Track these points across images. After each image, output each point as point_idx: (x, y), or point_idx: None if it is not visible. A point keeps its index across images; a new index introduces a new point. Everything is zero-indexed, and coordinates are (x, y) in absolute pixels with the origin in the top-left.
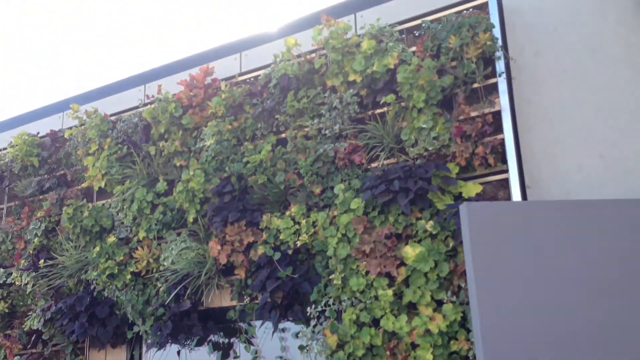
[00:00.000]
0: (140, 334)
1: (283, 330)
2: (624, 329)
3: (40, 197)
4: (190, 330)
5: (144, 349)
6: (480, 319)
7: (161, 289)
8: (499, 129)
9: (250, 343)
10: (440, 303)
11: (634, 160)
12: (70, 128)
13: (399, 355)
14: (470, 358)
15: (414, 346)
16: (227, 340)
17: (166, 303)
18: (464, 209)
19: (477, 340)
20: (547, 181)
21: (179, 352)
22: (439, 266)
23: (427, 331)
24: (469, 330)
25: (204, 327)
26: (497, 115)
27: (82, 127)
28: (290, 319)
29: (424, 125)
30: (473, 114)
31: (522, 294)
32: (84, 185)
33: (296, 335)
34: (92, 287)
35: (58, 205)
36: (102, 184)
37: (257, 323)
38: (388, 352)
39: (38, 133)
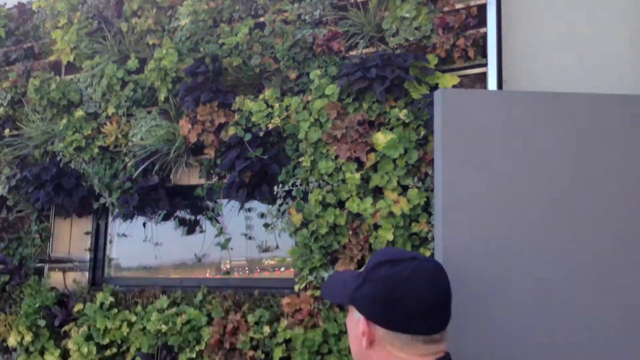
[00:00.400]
0: (107, 205)
1: (249, 209)
2: (590, 221)
3: (7, 68)
4: (157, 204)
5: (110, 219)
6: (442, 202)
7: (129, 164)
8: (482, 22)
9: (216, 220)
10: (405, 188)
11: (613, 62)
12: (39, 0)
13: (361, 235)
14: (429, 239)
15: (376, 227)
16: (193, 217)
17: (134, 177)
18: (438, 95)
19: (437, 223)
20: (525, 78)
21: (144, 224)
22: (408, 153)
23: (391, 213)
24: (430, 214)
25: (170, 202)
26: (482, 8)
27: None
28: (257, 198)
29: (407, 15)
30: (458, 5)
31: (489, 182)
32: (52, 58)
33: (262, 215)
34: (58, 158)
35: (25, 76)
36: (71, 58)
37: (224, 202)
38: (350, 232)
39: (5, 4)
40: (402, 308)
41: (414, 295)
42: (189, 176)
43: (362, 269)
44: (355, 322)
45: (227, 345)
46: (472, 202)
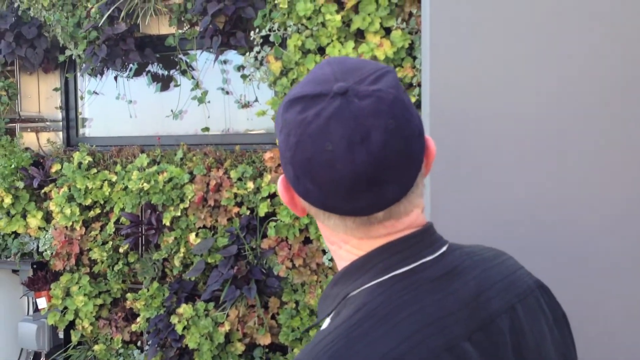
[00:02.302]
0: (74, 58)
1: (225, 62)
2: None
3: None
4: (126, 55)
5: (78, 74)
6: (431, 43)
7: (92, 10)
8: None
9: (191, 74)
10: (388, 31)
11: None
12: None
13: None
14: (414, 85)
15: None
16: (166, 72)
17: (99, 25)
18: None
19: (424, 67)
20: None
21: (116, 78)
22: None
23: (374, 58)
24: (415, 58)
25: (141, 53)
26: None
27: None
28: (233, 46)
29: None
30: None
31: (482, 19)
32: None
33: (238, 68)
34: (16, 4)
35: None
36: None
37: (198, 53)
38: None
39: None
40: (311, 177)
41: (324, 161)
42: (159, 24)
43: None
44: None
45: (211, 203)
46: (462, 44)
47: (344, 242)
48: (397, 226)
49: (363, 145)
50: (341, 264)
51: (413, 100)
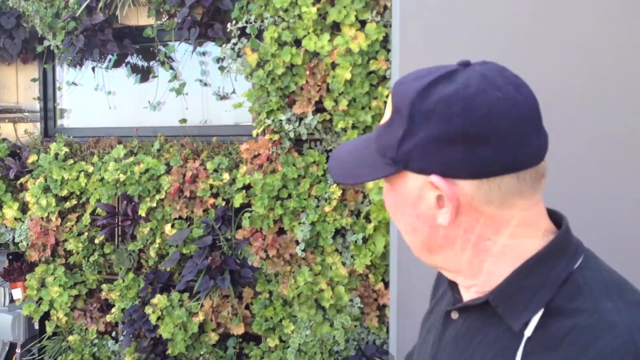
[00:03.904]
0: (52, 48)
1: (204, 54)
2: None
3: None
4: (104, 46)
5: (57, 64)
6: (401, 36)
7: (71, 1)
8: None
9: (169, 64)
10: (364, 23)
11: None
12: None
13: (318, 75)
14: (388, 77)
15: (333, 66)
16: (146, 63)
17: (77, 15)
18: None
19: (394, 60)
20: None
21: (93, 69)
22: None
23: (348, 50)
24: (389, 51)
25: (119, 44)
26: None
27: None
28: (211, 37)
29: None
30: None
31: (452, 15)
32: None
33: (217, 60)
34: None
35: None
36: None
37: (176, 45)
38: (308, 72)
39: None
40: (492, 134)
41: (502, 108)
42: (138, 15)
43: (386, 115)
44: (414, 195)
45: (187, 194)
46: (433, 40)
47: (506, 224)
48: (540, 192)
49: (521, 87)
50: (496, 259)
51: (386, 92)
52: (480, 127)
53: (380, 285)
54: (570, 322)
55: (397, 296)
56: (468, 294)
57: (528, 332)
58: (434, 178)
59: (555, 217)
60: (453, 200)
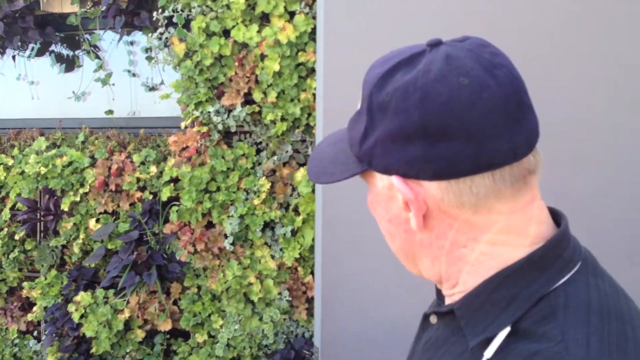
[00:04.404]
0: None
1: (132, 43)
2: None
3: None
4: (25, 34)
5: None
6: (325, 28)
7: None
8: None
9: (95, 54)
10: (293, 15)
11: None
12: None
13: (247, 66)
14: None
15: (262, 57)
16: (71, 53)
17: None
18: None
19: (319, 52)
20: None
21: (14, 57)
22: None
23: (277, 42)
24: None
25: (41, 32)
26: None
27: None
28: (137, 26)
29: None
30: None
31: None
32: None
33: (146, 50)
34: None
35: None
36: None
37: (101, 33)
38: (237, 63)
39: None
40: (454, 127)
41: (466, 95)
42: (62, 2)
43: (359, 104)
44: (384, 196)
45: (112, 187)
46: (358, 26)
47: (485, 230)
48: (532, 190)
49: (497, 69)
50: (473, 269)
51: (315, 84)
52: (440, 120)
53: (309, 278)
54: (534, 347)
55: (322, 289)
56: (449, 299)
57: (488, 353)
58: (394, 179)
59: (559, 221)
60: (417, 203)
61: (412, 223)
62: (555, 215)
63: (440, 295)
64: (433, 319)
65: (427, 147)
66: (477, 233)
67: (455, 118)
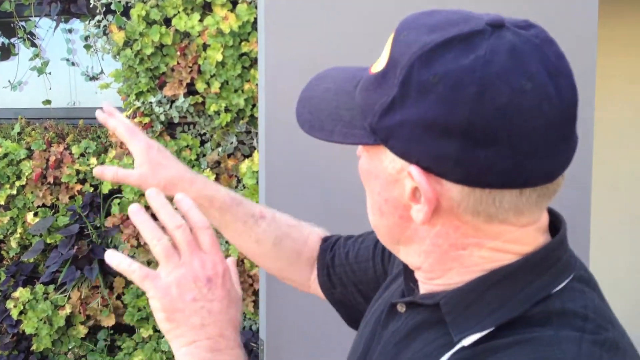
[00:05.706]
0: None
1: (70, 31)
2: None
3: None
4: None
5: None
6: (265, 17)
7: None
8: None
9: (31, 41)
10: (235, 4)
11: None
12: None
13: (189, 56)
14: None
15: (205, 47)
16: (6, 41)
17: None
18: None
19: (260, 42)
20: None
21: None
22: None
23: (219, 31)
24: None
25: None
26: None
27: None
28: (74, 12)
29: None
30: None
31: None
32: None
33: (85, 38)
34: None
35: None
36: None
37: (37, 20)
38: (179, 53)
39: None
40: (504, 135)
41: (527, 102)
42: None
43: (380, 61)
44: (389, 176)
45: (50, 180)
46: (300, 14)
47: (493, 238)
48: (547, 206)
49: (560, 76)
50: (465, 270)
51: (257, 75)
52: (490, 124)
53: (256, 271)
54: (520, 337)
55: (267, 281)
56: (425, 287)
57: (466, 342)
58: (414, 170)
59: (557, 223)
60: (432, 202)
61: (415, 214)
62: (553, 217)
63: (410, 278)
64: (401, 308)
65: (464, 149)
66: (482, 239)
67: (508, 126)
